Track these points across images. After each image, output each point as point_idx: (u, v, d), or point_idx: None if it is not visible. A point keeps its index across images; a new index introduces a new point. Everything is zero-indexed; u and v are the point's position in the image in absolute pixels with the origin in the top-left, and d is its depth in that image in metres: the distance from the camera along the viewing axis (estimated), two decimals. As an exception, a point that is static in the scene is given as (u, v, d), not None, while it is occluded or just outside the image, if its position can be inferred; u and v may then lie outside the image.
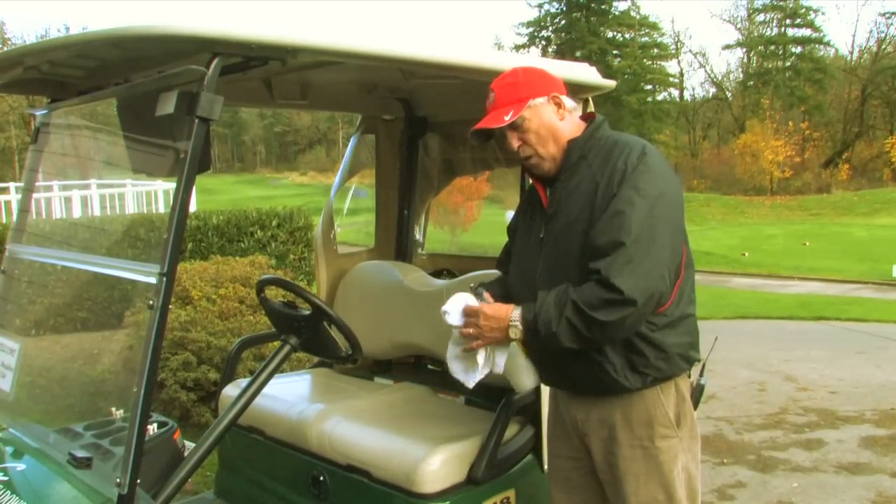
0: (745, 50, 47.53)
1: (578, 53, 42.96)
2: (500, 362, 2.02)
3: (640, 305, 1.86)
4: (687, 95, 50.97)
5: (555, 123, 2.06)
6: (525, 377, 2.06)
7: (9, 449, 2.28)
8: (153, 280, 1.74)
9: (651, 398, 2.06)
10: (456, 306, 2.03)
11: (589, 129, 2.09)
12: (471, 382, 2.05)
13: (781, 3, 44.40)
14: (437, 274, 3.60)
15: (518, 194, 2.87)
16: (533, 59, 3.31)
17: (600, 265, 1.87)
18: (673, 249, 1.96)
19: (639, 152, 1.96)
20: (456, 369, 2.06)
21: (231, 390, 3.06)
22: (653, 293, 1.88)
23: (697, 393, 2.19)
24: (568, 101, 2.10)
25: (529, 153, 2.06)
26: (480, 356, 2.01)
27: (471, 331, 1.99)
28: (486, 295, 2.07)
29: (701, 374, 2.23)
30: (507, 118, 2.00)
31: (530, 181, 2.22)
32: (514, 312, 1.96)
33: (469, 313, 2.00)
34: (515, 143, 2.06)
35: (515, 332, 1.95)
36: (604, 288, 1.86)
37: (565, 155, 2.06)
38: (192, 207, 9.81)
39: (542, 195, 2.13)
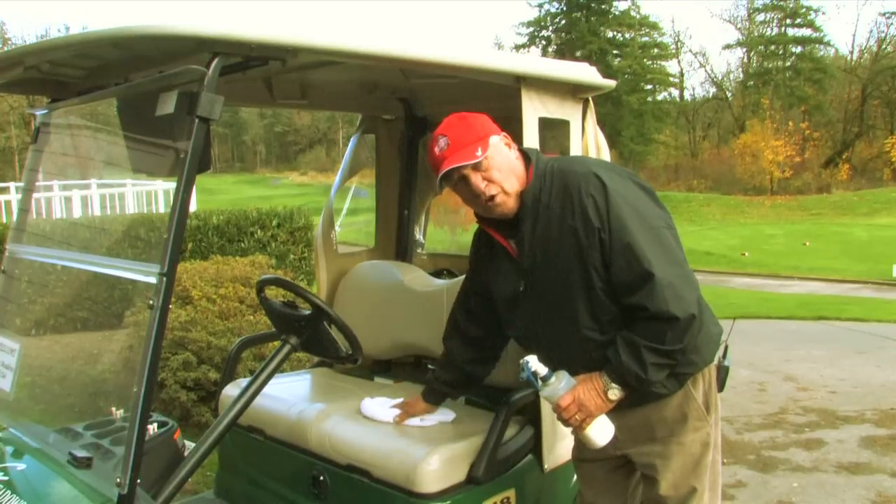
0: (745, 50, 47.52)
1: (578, 53, 42.87)
2: (605, 423, 2.05)
3: (698, 313, 1.91)
4: (687, 95, 51.05)
5: (512, 160, 2.05)
6: (602, 435, 2.06)
7: (9, 449, 2.28)
8: (153, 280, 1.74)
9: (683, 395, 2.11)
10: (381, 410, 2.35)
11: (532, 171, 2.05)
12: (605, 441, 2.06)
13: (781, 3, 44.36)
14: (437, 274, 3.60)
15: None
16: (533, 58, 3.30)
17: (643, 302, 1.88)
18: (676, 239, 1.99)
19: (597, 183, 1.94)
20: (595, 442, 2.07)
21: (231, 390, 3.06)
22: (698, 294, 1.95)
23: (723, 374, 2.21)
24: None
25: (495, 191, 2.00)
26: (594, 430, 2.02)
27: (577, 416, 2.00)
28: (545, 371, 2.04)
29: (724, 356, 2.24)
30: (479, 154, 1.96)
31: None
32: (603, 379, 1.98)
33: (564, 405, 1.99)
34: (482, 184, 1.98)
35: (615, 392, 1.98)
36: (661, 321, 1.88)
37: (520, 203, 2.04)
38: (193, 207, 9.81)
39: (503, 244, 2.11)
